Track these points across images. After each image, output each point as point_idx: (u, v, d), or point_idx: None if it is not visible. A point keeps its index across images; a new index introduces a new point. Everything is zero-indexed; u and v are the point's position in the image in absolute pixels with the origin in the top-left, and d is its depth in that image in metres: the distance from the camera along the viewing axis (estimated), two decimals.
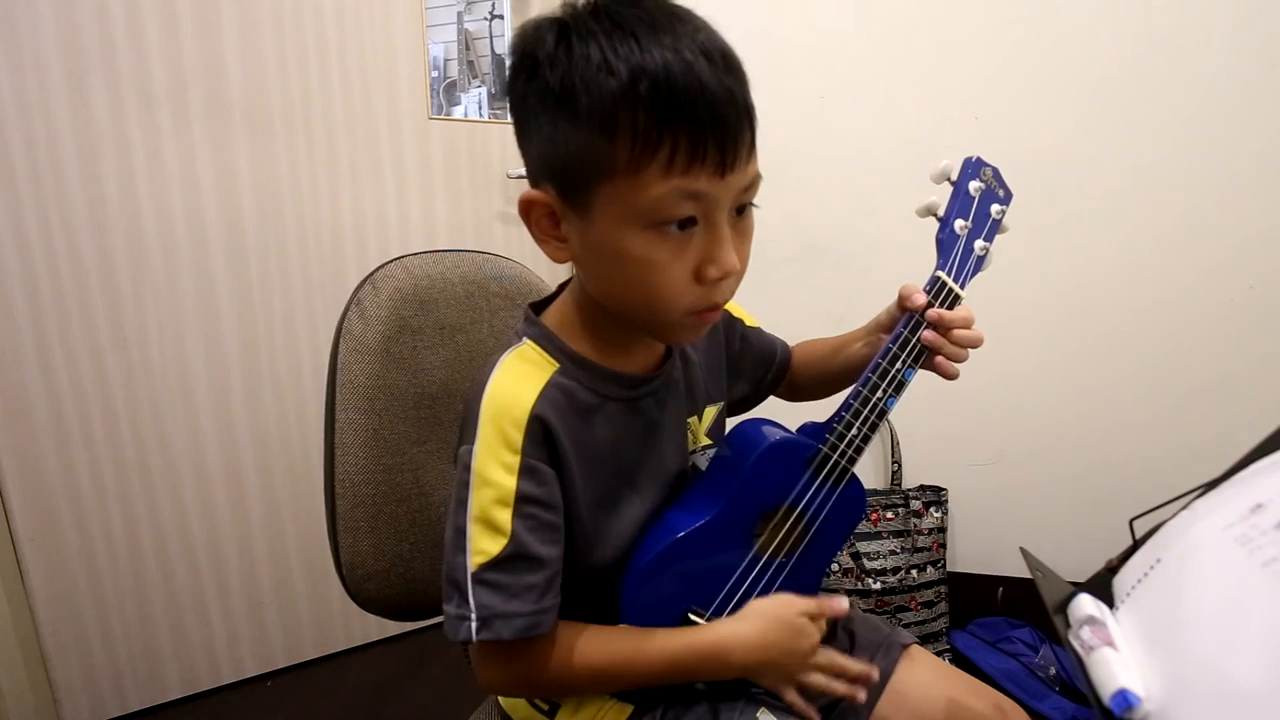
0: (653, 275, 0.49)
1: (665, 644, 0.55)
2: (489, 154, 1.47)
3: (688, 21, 0.48)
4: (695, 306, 0.51)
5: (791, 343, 0.77)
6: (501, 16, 1.44)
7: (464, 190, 1.46)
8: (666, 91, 0.44)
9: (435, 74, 1.39)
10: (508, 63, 0.52)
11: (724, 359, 0.70)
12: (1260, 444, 0.40)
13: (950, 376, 0.62)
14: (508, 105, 0.53)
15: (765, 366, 0.74)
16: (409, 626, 1.52)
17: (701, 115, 0.45)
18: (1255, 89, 1.21)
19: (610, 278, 0.52)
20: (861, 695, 0.58)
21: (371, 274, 0.71)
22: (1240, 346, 1.29)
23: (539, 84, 0.48)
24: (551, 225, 0.52)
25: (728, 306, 0.70)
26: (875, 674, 0.59)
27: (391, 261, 0.72)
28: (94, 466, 1.20)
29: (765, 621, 0.56)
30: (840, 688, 0.57)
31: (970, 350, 0.62)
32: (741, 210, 0.51)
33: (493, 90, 1.46)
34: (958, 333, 0.61)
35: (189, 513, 1.29)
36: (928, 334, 0.60)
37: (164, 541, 1.27)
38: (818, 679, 0.57)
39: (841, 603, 0.59)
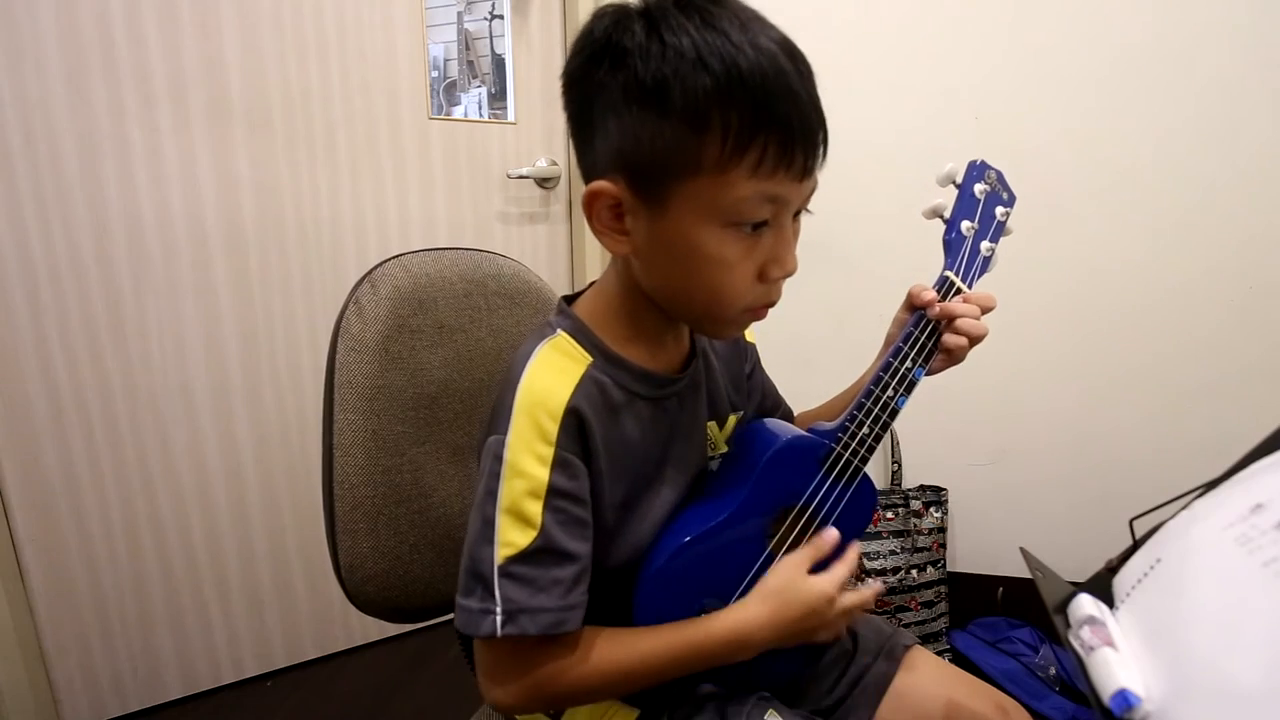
0: (721, 273, 0.50)
1: (684, 635, 0.54)
2: (489, 154, 1.47)
3: (764, 21, 0.48)
4: (754, 304, 0.53)
5: (791, 345, 0.76)
6: (501, 16, 1.43)
7: (464, 190, 1.46)
8: (761, 95, 0.45)
9: (435, 74, 1.39)
10: (574, 47, 0.50)
11: (744, 374, 0.70)
12: (1260, 444, 0.40)
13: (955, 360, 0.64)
14: (565, 89, 0.52)
15: (771, 407, 0.74)
16: (409, 627, 1.52)
17: (793, 121, 0.46)
18: (1255, 89, 1.21)
19: (674, 273, 0.52)
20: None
21: (370, 272, 0.70)
22: (1240, 347, 1.29)
23: (627, 75, 0.46)
24: (613, 218, 0.52)
25: (745, 333, 0.71)
26: (881, 586, 0.62)
27: (390, 260, 0.72)
28: (94, 466, 1.20)
29: (777, 601, 0.55)
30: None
31: (971, 346, 0.62)
32: (796, 214, 0.52)
33: (493, 90, 1.46)
34: (961, 322, 0.62)
35: (189, 513, 1.29)
36: (948, 336, 0.61)
37: (164, 541, 1.27)
38: (843, 623, 0.59)
39: (830, 533, 0.59)
